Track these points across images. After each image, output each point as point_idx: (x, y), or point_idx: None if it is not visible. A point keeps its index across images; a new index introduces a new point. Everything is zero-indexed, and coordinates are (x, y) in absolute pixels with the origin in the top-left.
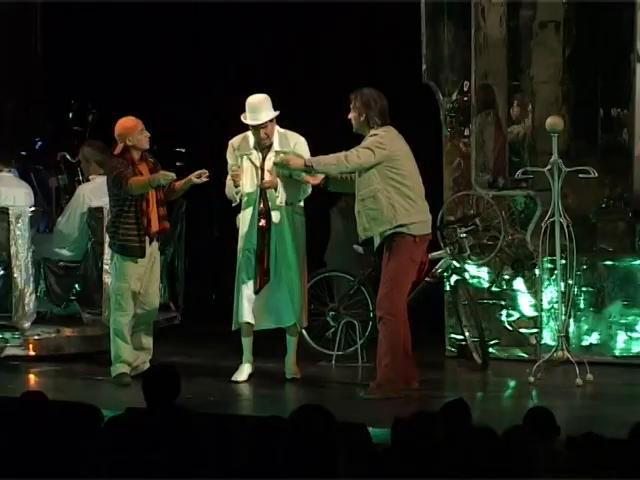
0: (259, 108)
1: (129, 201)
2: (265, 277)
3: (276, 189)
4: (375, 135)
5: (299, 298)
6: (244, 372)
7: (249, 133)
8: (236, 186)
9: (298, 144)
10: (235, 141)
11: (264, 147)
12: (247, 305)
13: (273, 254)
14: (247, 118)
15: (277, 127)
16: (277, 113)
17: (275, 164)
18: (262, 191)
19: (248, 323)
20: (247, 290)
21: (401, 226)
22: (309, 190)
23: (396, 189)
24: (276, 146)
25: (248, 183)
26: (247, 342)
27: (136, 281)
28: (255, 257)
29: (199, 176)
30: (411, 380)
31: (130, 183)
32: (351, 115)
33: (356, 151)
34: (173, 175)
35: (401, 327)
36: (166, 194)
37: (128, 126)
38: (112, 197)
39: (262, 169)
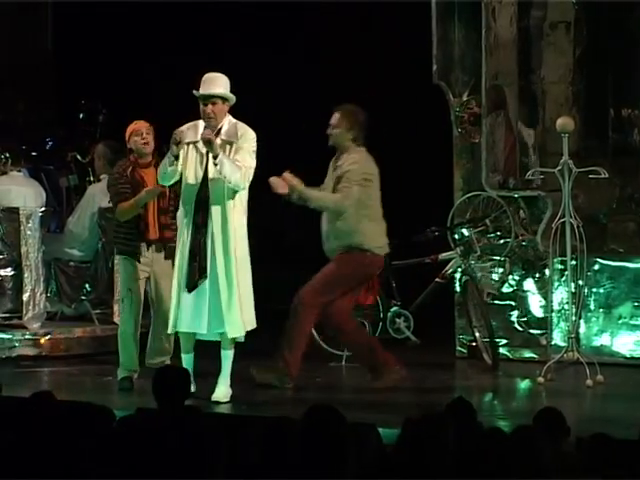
0: (215, 83)
1: None
2: (201, 274)
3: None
4: (355, 163)
5: (235, 304)
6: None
7: (200, 122)
8: (178, 144)
9: (245, 135)
10: (184, 128)
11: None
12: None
13: (210, 251)
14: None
15: (230, 117)
16: (232, 97)
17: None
18: (204, 182)
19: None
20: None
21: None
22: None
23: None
24: (223, 135)
25: (191, 174)
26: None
27: (138, 285)
28: (189, 254)
29: None
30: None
31: (118, 210)
32: (335, 130)
33: (346, 190)
34: (157, 188)
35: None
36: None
37: (128, 129)
38: None
39: (208, 158)
